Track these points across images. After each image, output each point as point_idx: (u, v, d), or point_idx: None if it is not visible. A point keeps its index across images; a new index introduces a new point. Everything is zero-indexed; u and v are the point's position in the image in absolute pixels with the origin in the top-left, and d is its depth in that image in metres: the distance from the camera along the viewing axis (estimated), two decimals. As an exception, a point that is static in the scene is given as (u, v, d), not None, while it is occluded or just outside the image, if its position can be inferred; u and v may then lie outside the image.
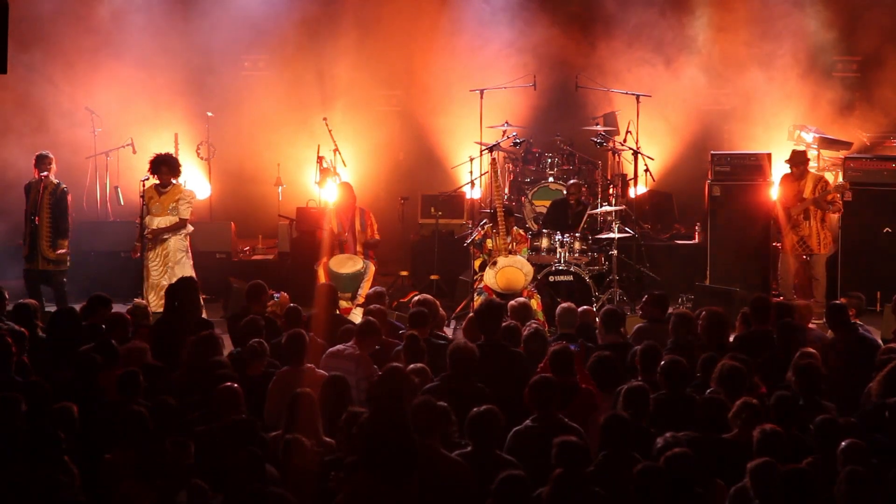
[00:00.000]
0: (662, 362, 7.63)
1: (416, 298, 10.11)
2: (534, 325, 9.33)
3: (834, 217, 13.39)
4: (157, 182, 12.22)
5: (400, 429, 6.40)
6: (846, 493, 5.90)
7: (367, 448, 6.33)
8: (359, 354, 8.62)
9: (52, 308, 11.71)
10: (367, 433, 6.45)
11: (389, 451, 6.19)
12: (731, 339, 9.12)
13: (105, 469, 6.67)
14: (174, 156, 12.57)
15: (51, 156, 12.58)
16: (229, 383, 7.27)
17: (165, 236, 12.19)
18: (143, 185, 12.25)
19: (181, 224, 12.26)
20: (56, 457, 6.43)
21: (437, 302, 10.05)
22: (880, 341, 9.63)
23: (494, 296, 11.50)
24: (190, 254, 12.35)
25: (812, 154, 14.47)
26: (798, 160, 13.06)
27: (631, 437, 6.59)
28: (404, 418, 6.70)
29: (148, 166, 12.27)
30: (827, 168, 14.55)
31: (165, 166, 12.22)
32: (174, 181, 12.27)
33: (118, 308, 10.27)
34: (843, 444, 6.39)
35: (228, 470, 6.23)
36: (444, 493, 6.32)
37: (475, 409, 6.68)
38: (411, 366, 7.95)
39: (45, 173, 12.44)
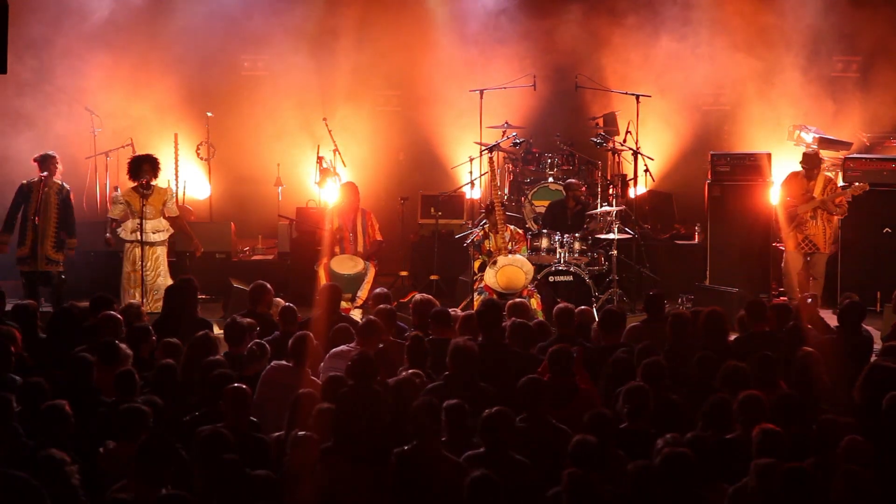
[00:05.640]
0: (644, 363, 7.58)
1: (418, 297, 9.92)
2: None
3: (835, 219, 13.37)
4: (138, 184, 12.01)
5: (370, 411, 6.36)
6: (843, 493, 5.88)
7: (337, 430, 6.31)
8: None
9: (47, 309, 11.65)
10: (337, 416, 6.43)
11: (359, 433, 6.17)
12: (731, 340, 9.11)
13: (100, 464, 6.67)
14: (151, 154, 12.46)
15: (56, 156, 12.42)
16: (237, 384, 7.22)
17: (160, 239, 12.21)
18: (146, 189, 12.09)
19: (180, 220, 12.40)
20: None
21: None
22: (880, 341, 9.62)
23: (495, 296, 11.48)
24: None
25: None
26: (813, 163, 12.93)
27: (618, 439, 6.61)
28: (376, 402, 6.66)
29: (128, 172, 12.10)
30: (827, 168, 14.53)
31: (148, 164, 12.10)
32: (154, 182, 12.16)
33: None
34: (844, 441, 6.37)
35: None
36: (444, 495, 6.28)
37: (488, 410, 6.61)
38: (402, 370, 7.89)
39: (45, 173, 12.35)
